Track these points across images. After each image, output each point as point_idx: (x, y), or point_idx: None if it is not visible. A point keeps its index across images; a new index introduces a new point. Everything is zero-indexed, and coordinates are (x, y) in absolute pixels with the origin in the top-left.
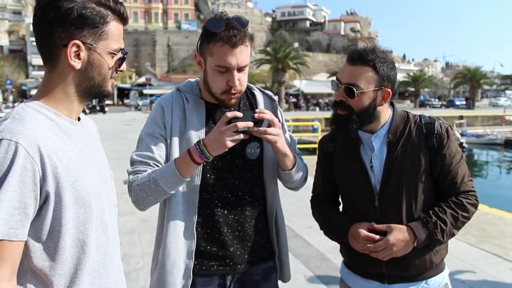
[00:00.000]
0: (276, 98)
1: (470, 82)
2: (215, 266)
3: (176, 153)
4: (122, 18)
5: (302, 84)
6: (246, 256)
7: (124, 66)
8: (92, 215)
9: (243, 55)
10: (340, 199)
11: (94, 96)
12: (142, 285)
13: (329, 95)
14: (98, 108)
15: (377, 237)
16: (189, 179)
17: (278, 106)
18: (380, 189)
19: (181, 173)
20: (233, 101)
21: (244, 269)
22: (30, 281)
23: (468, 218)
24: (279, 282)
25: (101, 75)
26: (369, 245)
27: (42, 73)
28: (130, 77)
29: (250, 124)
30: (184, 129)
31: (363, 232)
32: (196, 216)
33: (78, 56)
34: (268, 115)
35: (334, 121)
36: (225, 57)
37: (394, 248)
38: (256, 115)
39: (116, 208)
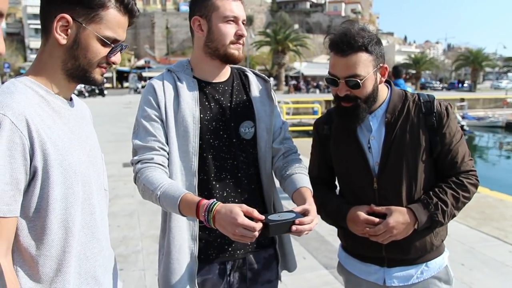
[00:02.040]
0: (271, 80)
1: (472, 65)
2: (214, 254)
3: (172, 133)
4: (126, 10)
5: (302, 66)
6: (244, 244)
7: (116, 59)
8: (79, 196)
9: (242, 9)
10: (336, 183)
11: (80, 79)
12: (141, 268)
13: None
14: (97, 91)
15: (377, 220)
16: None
17: (271, 88)
18: (378, 170)
19: (183, 213)
20: (240, 53)
21: (243, 255)
22: (16, 262)
23: (469, 199)
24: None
25: (86, 58)
26: (368, 228)
27: None
28: (129, 60)
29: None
30: (178, 108)
31: (362, 215)
32: None
33: (66, 31)
34: (309, 218)
35: (342, 114)
36: (232, 7)
37: (394, 231)
38: (296, 223)
39: (106, 192)
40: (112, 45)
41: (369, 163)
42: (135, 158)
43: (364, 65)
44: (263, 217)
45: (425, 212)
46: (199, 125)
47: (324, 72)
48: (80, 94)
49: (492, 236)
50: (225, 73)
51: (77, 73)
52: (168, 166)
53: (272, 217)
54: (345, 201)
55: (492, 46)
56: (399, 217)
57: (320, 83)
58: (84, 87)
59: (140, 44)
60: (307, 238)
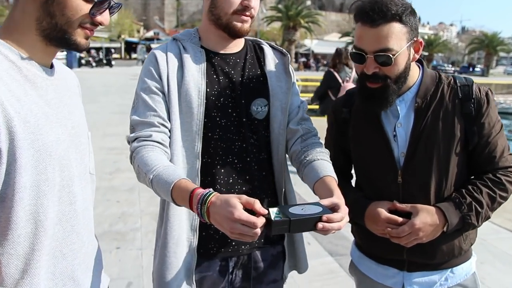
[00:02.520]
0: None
1: (486, 49)
2: (216, 248)
3: (175, 109)
4: None
5: (312, 44)
6: None
7: (103, 19)
8: (55, 183)
9: None
10: (353, 173)
11: (58, 42)
12: (139, 247)
13: None
14: (104, 61)
15: (400, 219)
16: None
17: (290, 62)
18: (404, 162)
19: (177, 203)
20: (246, 26)
21: (249, 251)
22: None
23: (506, 199)
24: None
25: (65, 16)
26: (390, 229)
27: None
28: (138, 31)
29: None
30: (182, 81)
31: (384, 213)
32: (198, 183)
33: None
34: (338, 215)
35: (367, 97)
36: None
37: (420, 233)
38: (324, 220)
39: (92, 177)
40: (96, 0)
41: (394, 154)
42: (131, 135)
43: (397, 37)
44: (265, 211)
45: (456, 213)
46: (204, 101)
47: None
48: (88, 63)
49: (504, 228)
50: (237, 44)
51: (54, 34)
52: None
53: (294, 210)
54: (363, 195)
55: (508, 31)
56: (427, 218)
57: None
58: (91, 56)
59: (150, 15)
60: None
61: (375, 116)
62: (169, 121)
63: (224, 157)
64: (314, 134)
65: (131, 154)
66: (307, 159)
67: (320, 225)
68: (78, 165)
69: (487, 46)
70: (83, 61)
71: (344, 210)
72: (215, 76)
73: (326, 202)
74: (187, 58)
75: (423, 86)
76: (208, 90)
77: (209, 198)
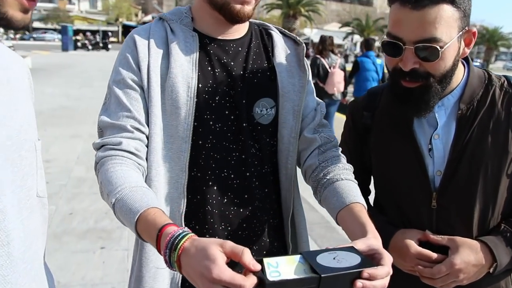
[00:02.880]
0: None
1: (487, 43)
2: None
3: (156, 108)
4: None
5: (312, 33)
6: None
7: None
8: None
9: None
10: (372, 188)
11: None
12: (125, 247)
13: (339, 46)
14: (101, 45)
15: (435, 255)
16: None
17: (304, 54)
18: (441, 183)
19: (143, 238)
20: (247, 9)
21: None
22: None
23: None
24: None
25: None
26: (422, 267)
27: None
28: (136, 15)
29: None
30: (167, 73)
31: (414, 246)
32: (184, 203)
33: None
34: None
35: (402, 100)
36: None
37: (460, 275)
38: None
39: (42, 200)
40: None
41: (428, 172)
42: (97, 141)
43: (448, 24)
44: (257, 266)
45: (507, 251)
46: (195, 99)
47: (335, 40)
48: (84, 46)
49: None
50: (240, 29)
51: None
52: (146, 155)
53: (321, 259)
54: (386, 220)
55: (508, 26)
56: (470, 256)
57: None
58: (87, 39)
59: None
60: (310, 223)
61: (406, 124)
62: (148, 124)
63: (217, 170)
64: (334, 144)
65: (95, 165)
66: (327, 178)
67: (359, 283)
68: (15, 189)
69: (487, 40)
70: (79, 44)
71: (388, 261)
72: (209, 68)
73: (362, 245)
74: (175, 43)
75: (468, 89)
76: (200, 85)
77: (181, 242)
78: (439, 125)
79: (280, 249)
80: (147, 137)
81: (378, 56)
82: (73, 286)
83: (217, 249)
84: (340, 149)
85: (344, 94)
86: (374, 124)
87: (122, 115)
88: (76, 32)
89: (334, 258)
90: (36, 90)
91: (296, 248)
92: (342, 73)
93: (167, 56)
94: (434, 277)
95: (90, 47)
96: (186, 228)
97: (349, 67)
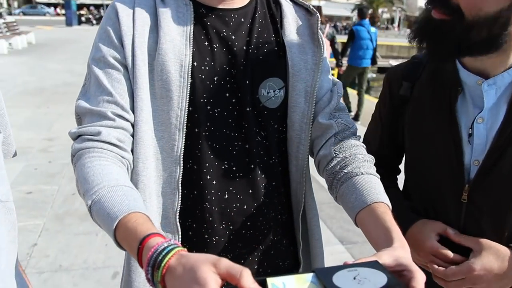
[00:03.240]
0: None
1: None
2: None
3: (143, 91)
4: None
5: (320, 4)
6: (255, 267)
7: None
8: None
9: None
10: (401, 169)
11: None
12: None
13: (347, 18)
14: None
15: (452, 255)
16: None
17: (319, 26)
18: (477, 175)
19: (123, 248)
20: None
21: None
22: None
23: None
24: None
25: None
26: (436, 266)
27: None
28: None
29: None
30: (156, 49)
31: (431, 241)
32: (179, 199)
33: None
34: None
35: (421, 32)
36: None
37: (478, 283)
38: None
39: (6, 205)
40: None
41: (464, 159)
42: (73, 130)
43: None
44: None
45: None
46: (189, 80)
47: (343, 12)
48: (88, 21)
49: None
50: None
51: None
52: (131, 146)
53: (339, 279)
54: (410, 205)
55: None
56: (493, 263)
57: (338, 24)
58: (91, 13)
59: None
60: (320, 203)
61: (449, 101)
62: (133, 109)
63: (217, 162)
64: (353, 132)
65: (71, 158)
66: (345, 171)
67: None
68: None
69: None
70: (83, 19)
71: (421, 282)
72: (206, 43)
73: (388, 259)
74: (165, 13)
75: None
76: (195, 64)
77: (166, 259)
78: (485, 107)
79: (289, 247)
80: (133, 126)
81: (387, 28)
82: (75, 270)
83: (210, 270)
84: (360, 137)
85: (338, 64)
86: (412, 97)
87: (102, 99)
88: (80, 6)
89: (354, 278)
90: (39, 66)
91: (306, 247)
92: (327, 42)
93: (155, 29)
94: (447, 279)
95: (94, 21)
96: (172, 240)
97: (342, 38)
